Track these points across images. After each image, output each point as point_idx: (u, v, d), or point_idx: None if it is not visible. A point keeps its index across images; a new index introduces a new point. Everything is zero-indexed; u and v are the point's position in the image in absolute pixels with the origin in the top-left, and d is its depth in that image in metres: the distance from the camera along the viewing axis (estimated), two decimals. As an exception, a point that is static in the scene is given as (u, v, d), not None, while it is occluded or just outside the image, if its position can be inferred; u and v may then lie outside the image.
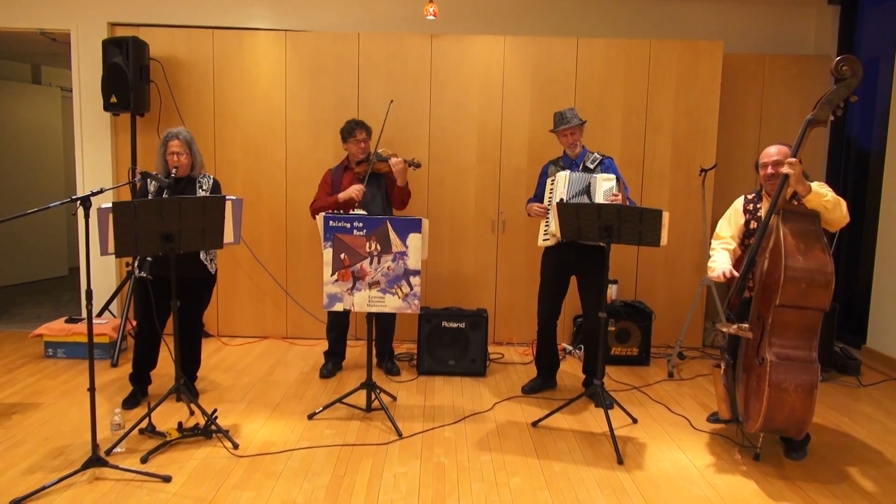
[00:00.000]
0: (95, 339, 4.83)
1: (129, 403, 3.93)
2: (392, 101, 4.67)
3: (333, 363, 4.75)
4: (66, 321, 5.02)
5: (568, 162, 4.18)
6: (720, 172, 5.35)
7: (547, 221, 4.08)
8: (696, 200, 5.29)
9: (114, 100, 4.90)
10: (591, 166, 4.08)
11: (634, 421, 3.83)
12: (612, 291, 5.13)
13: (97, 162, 5.40)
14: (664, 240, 3.44)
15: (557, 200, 3.97)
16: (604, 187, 3.93)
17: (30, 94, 7.55)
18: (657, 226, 3.40)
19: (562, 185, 4.03)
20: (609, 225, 3.51)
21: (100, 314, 5.28)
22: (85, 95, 5.34)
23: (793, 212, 3.20)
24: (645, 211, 3.40)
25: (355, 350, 5.04)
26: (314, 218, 4.57)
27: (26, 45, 6.46)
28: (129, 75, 4.86)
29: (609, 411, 3.59)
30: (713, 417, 3.87)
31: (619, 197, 3.86)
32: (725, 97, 5.39)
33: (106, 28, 5.27)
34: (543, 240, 4.13)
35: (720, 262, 3.46)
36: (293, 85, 5.31)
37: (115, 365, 4.73)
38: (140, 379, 4.02)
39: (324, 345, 5.01)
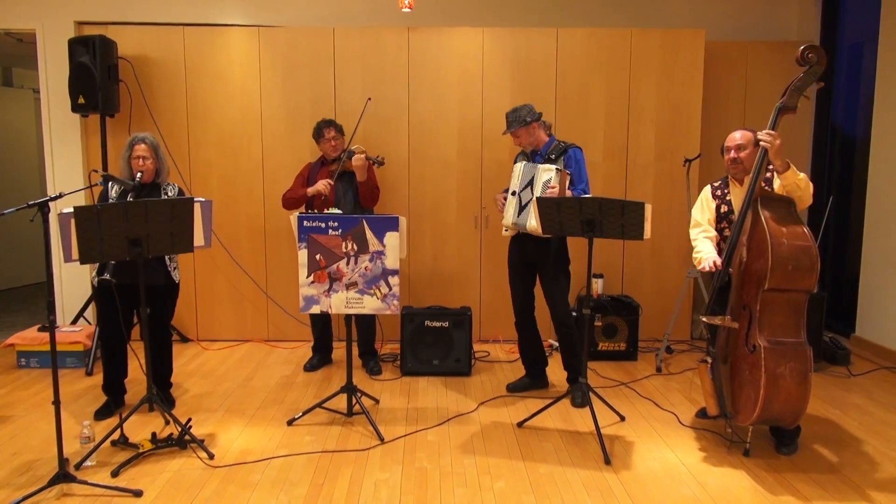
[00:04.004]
0: (69, 348, 4.73)
1: (102, 414, 3.81)
2: (369, 99, 4.57)
3: (319, 358, 4.74)
4: (39, 329, 4.88)
5: (533, 153, 4.07)
6: (704, 162, 5.27)
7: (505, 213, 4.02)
8: (680, 191, 5.21)
9: (81, 100, 4.75)
10: (552, 157, 3.95)
11: (622, 419, 3.74)
12: (598, 286, 5.05)
13: (68, 165, 5.25)
14: (647, 233, 3.35)
15: (511, 192, 3.94)
16: (543, 178, 3.81)
17: (1, 97, 7.37)
18: (640, 219, 3.31)
19: (514, 177, 3.98)
20: (591, 219, 3.41)
21: (74, 321, 5.14)
22: (53, 97, 5.19)
23: (770, 198, 3.18)
24: (627, 204, 3.31)
25: (340, 350, 4.93)
26: (285, 208, 4.51)
27: (-6, 47, 6.29)
28: (97, 75, 4.71)
29: (595, 409, 3.50)
30: (701, 413, 3.79)
31: (556, 189, 3.72)
32: (708, 86, 5.31)
33: (73, 27, 5.11)
34: (504, 231, 4.07)
35: (706, 252, 3.40)
36: (268, 82, 5.18)
37: (89, 374, 4.59)
38: (113, 389, 3.89)
39: (306, 348, 4.93)
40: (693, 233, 3.58)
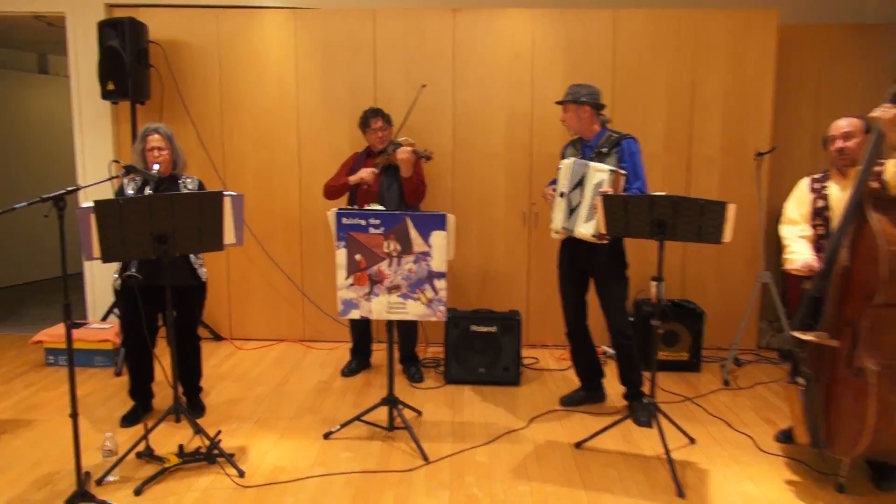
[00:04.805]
0: (98, 346, 4.54)
1: (129, 420, 3.58)
2: (424, 86, 4.24)
3: (358, 362, 4.47)
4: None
5: (583, 145, 3.68)
6: (776, 157, 4.82)
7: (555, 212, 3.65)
8: (749, 187, 4.76)
9: (111, 86, 4.52)
10: (605, 151, 3.55)
11: (692, 441, 3.37)
12: (657, 290, 4.64)
13: (98, 155, 5.03)
14: (728, 236, 2.97)
15: (559, 193, 3.57)
16: (594, 180, 3.41)
17: (37, 84, 7.23)
18: (720, 220, 2.93)
19: (562, 176, 3.60)
20: (662, 220, 3.04)
21: (104, 318, 4.94)
22: (83, 83, 4.97)
23: (881, 197, 2.74)
24: (707, 203, 2.93)
25: (380, 353, 4.64)
26: (326, 198, 4.22)
27: (31, 34, 6.12)
28: (127, 60, 4.47)
29: (664, 430, 3.14)
30: (782, 436, 3.40)
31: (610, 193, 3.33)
32: (780, 73, 4.85)
33: (103, 10, 4.88)
34: (553, 234, 3.71)
35: (801, 253, 3.01)
36: (304, 68, 4.89)
37: (118, 374, 4.38)
38: (140, 394, 3.65)
39: (344, 350, 4.65)
40: (785, 230, 3.18)
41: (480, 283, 5.01)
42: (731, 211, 2.90)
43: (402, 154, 4.00)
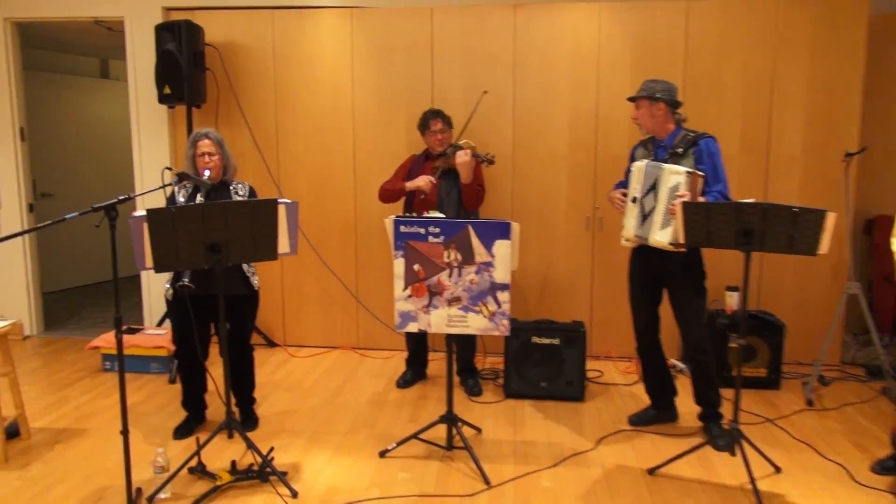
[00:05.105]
0: (153, 352, 4.50)
1: (182, 432, 3.50)
2: (485, 92, 4.09)
3: (413, 372, 4.31)
4: (125, 332, 4.65)
5: (655, 145, 3.41)
6: (865, 158, 4.44)
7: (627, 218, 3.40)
8: (834, 191, 4.42)
9: (167, 90, 4.48)
10: (680, 151, 3.27)
11: (777, 470, 3.08)
12: (732, 300, 4.35)
13: (155, 160, 5.01)
14: (825, 247, 2.69)
15: (630, 198, 3.32)
16: (669, 183, 3.14)
17: (99, 89, 7.34)
18: (817, 230, 2.65)
19: (634, 180, 3.34)
20: (749, 228, 2.78)
21: (160, 323, 4.92)
22: (141, 87, 4.95)
23: None
24: (803, 212, 2.65)
25: (436, 363, 4.49)
26: (381, 201, 4.07)
27: (92, 39, 6.18)
28: (183, 63, 4.42)
29: (748, 457, 2.87)
30: (879, 466, 3.08)
31: (687, 198, 3.04)
32: (870, 66, 4.46)
33: (161, 13, 4.85)
34: (623, 241, 3.45)
35: None
36: (360, 69, 4.76)
37: (172, 381, 4.33)
38: (193, 404, 3.57)
39: (399, 358, 4.51)
40: None
41: (540, 291, 4.79)
42: (831, 220, 2.62)
43: (462, 158, 3.81)
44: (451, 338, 3.28)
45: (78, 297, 6.77)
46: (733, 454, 2.94)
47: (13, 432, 3.45)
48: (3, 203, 5.18)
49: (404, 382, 4.24)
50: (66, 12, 4.93)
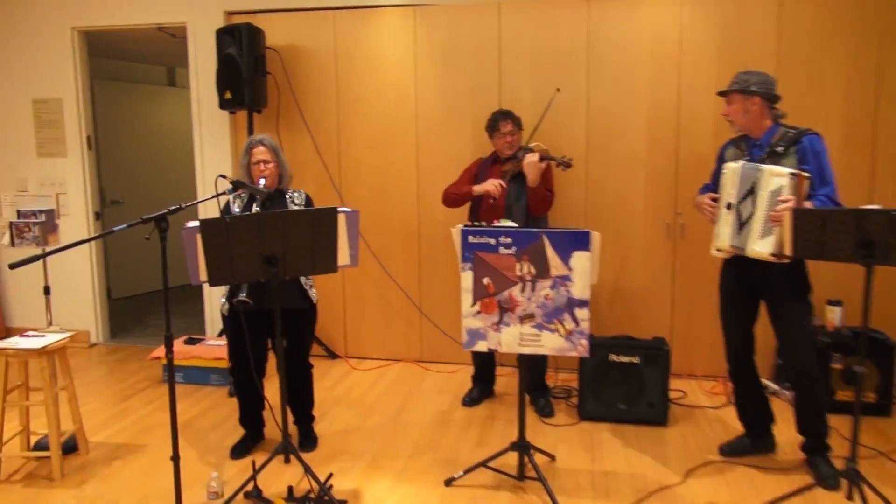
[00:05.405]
0: (213, 364, 4.39)
1: (239, 451, 3.35)
2: (558, 90, 3.83)
3: (480, 390, 4.07)
4: (186, 342, 4.59)
5: (749, 144, 3.06)
6: None
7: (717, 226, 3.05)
8: (952, 193, 3.94)
9: (228, 96, 4.38)
10: (780, 150, 2.91)
11: (900, 515, 2.69)
12: (834, 316, 3.92)
13: (217, 167, 4.93)
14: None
15: (724, 204, 2.96)
16: (770, 186, 2.78)
17: (166, 97, 7.40)
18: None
19: (727, 183, 2.98)
20: (871, 239, 2.41)
21: (220, 333, 4.82)
22: (203, 93, 4.89)
23: None
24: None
25: (504, 380, 4.23)
26: (445, 205, 3.85)
27: (158, 47, 6.20)
28: (244, 67, 4.31)
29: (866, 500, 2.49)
30: None
31: (792, 202, 2.69)
32: None
33: (223, 18, 4.76)
34: (714, 251, 3.10)
35: None
36: (424, 69, 4.55)
37: (232, 395, 4.20)
38: (250, 421, 3.42)
39: (464, 373, 4.27)
40: None
41: (614, 304, 4.46)
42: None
43: (528, 159, 3.55)
44: (522, 357, 3.01)
45: (145, 304, 6.80)
46: (850, 498, 2.56)
47: (71, 447, 3.37)
48: (71, 211, 5.20)
49: (471, 400, 3.99)
50: (130, 20, 4.91)
